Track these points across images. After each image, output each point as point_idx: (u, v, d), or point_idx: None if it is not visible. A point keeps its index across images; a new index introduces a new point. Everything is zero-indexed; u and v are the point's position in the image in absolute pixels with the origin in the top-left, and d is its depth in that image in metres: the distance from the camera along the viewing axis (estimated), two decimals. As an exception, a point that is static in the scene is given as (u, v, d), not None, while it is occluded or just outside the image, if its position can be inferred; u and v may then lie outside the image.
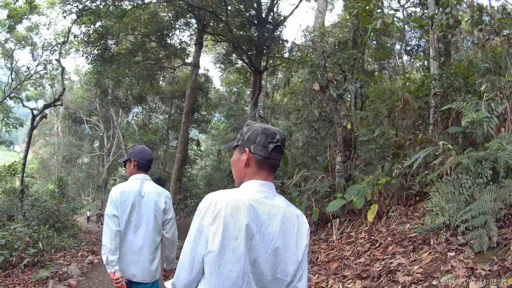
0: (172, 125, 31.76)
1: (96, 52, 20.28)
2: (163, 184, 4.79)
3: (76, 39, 21.07)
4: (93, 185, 46.39)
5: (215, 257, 1.58)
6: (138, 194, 3.36)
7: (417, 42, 18.11)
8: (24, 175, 19.26)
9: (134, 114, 43.54)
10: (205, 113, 31.21)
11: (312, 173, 9.52)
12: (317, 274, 5.53)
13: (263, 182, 1.73)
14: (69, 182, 50.84)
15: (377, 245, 5.90)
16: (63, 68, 22.57)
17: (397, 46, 16.72)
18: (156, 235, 3.43)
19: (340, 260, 5.80)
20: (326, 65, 8.90)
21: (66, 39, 21.58)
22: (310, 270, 5.64)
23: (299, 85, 13.47)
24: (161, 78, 30.26)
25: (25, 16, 21.16)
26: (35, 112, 20.29)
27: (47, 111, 23.04)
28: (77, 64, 42.43)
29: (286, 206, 1.74)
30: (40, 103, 44.45)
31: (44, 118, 22.09)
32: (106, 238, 3.19)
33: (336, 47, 9.93)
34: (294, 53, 21.66)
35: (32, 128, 19.76)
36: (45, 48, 23.82)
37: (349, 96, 9.75)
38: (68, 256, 11.98)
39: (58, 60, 22.68)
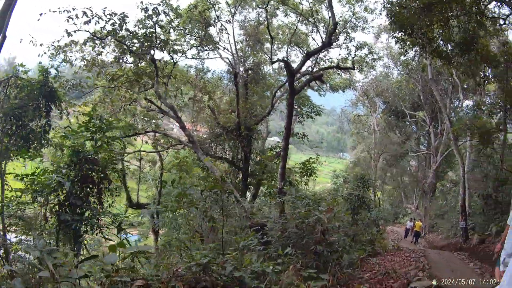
0: (510, 104, 20.63)
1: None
2: None
3: None
4: (418, 190, 38.96)
5: None
6: None
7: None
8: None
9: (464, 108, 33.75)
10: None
11: None
12: None
13: None
14: (389, 185, 45.61)
15: None
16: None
17: None
18: None
19: None
20: None
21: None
22: None
23: None
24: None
25: None
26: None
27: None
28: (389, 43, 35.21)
29: None
30: (349, 95, 40.59)
31: (321, 82, 15.84)
32: None
33: None
34: None
35: (292, 92, 13.89)
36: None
37: None
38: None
39: None
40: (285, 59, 20.66)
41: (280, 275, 6.91)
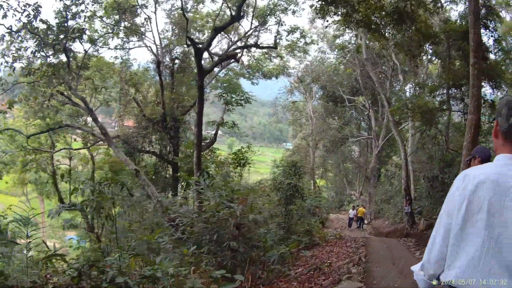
0: (453, 82, 20.05)
1: None
2: None
3: None
4: (361, 177, 38.54)
5: (457, 230, 1.60)
6: None
7: None
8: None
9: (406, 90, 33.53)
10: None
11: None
12: None
13: (508, 155, 1.64)
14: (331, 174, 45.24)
15: None
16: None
17: None
18: None
19: None
20: None
21: None
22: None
23: None
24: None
25: None
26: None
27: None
28: (324, 28, 34.41)
29: None
30: (284, 81, 39.25)
31: (237, 61, 14.36)
32: None
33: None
34: None
35: (200, 73, 12.20)
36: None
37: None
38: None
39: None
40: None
41: (179, 278, 5.43)
